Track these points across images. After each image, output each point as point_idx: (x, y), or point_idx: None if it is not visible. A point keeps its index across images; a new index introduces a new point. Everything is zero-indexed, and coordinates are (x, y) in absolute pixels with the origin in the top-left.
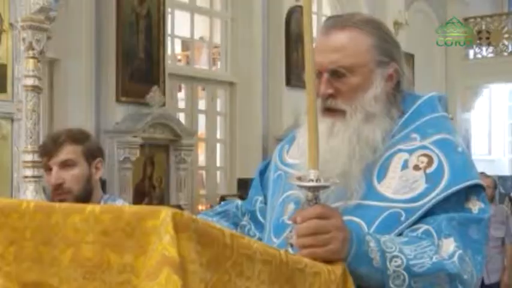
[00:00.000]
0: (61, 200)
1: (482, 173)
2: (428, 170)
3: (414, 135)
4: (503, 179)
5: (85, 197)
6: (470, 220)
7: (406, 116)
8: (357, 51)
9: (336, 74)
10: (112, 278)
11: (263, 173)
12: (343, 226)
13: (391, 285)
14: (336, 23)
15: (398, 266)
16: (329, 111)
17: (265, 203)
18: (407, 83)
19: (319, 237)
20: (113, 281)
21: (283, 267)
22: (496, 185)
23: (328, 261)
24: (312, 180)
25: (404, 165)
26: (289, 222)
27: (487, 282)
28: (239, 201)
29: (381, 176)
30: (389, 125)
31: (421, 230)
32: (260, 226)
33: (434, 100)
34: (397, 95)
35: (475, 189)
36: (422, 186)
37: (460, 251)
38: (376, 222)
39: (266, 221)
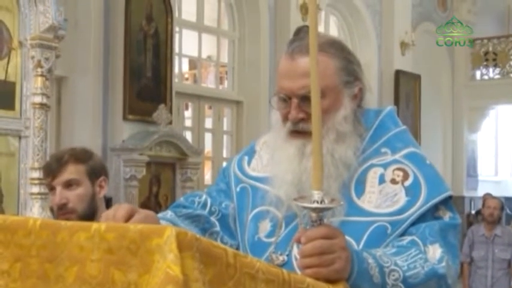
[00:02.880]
0: (66, 220)
1: (488, 194)
2: (406, 183)
3: (384, 149)
4: (509, 200)
5: (89, 215)
6: (448, 226)
7: (371, 131)
8: (325, 75)
9: (306, 98)
10: None
11: (224, 177)
12: (346, 246)
13: None
14: (300, 47)
15: (396, 280)
16: (297, 133)
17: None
18: (368, 91)
19: (325, 257)
20: None
21: (286, 287)
22: (503, 207)
23: (332, 280)
24: (317, 202)
25: (382, 180)
26: (268, 240)
27: None
28: (206, 197)
29: (359, 191)
30: (358, 141)
31: (405, 241)
32: (230, 233)
33: (393, 114)
34: (359, 111)
35: (443, 199)
36: (403, 199)
37: (446, 257)
38: (364, 237)
39: (236, 234)
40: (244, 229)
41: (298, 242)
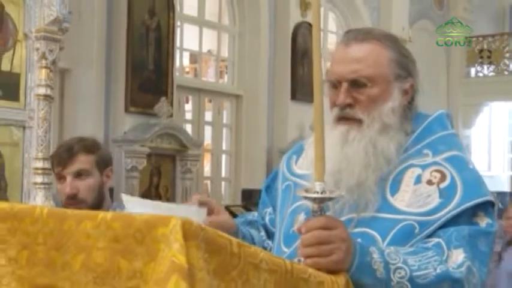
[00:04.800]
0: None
1: None
2: (442, 185)
3: (426, 151)
4: (502, 195)
5: (97, 205)
6: (479, 233)
7: (417, 132)
8: (377, 62)
9: (355, 84)
10: (122, 283)
11: (270, 185)
12: (347, 237)
13: None
14: (356, 35)
15: (402, 278)
16: (344, 119)
17: (275, 212)
18: (420, 92)
19: (323, 248)
20: (123, 286)
21: (288, 277)
22: (496, 202)
23: (332, 271)
24: (317, 192)
25: (418, 180)
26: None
27: None
28: (255, 214)
29: (394, 189)
30: (402, 138)
31: (431, 243)
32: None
33: (444, 117)
34: (410, 112)
35: (483, 205)
36: (436, 200)
37: (469, 262)
38: (391, 234)
39: (276, 229)
40: (282, 223)
41: (300, 232)
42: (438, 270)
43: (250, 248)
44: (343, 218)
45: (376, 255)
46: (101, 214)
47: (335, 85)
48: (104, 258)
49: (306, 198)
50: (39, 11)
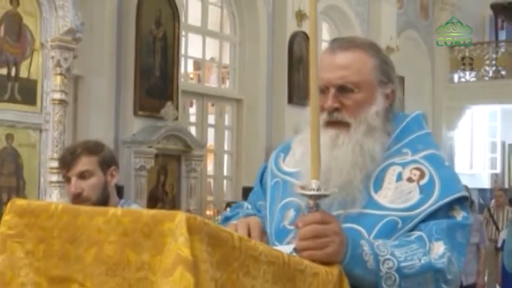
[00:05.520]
0: None
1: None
2: (421, 182)
3: (406, 150)
4: (483, 191)
5: (102, 202)
6: (457, 225)
7: (397, 132)
8: (362, 69)
9: (343, 89)
10: (131, 274)
11: (262, 179)
12: (340, 231)
13: (384, 285)
14: (342, 43)
15: (390, 268)
16: (333, 123)
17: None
18: (399, 103)
19: (318, 241)
20: (132, 277)
21: (286, 268)
22: (470, 196)
23: (326, 263)
24: (314, 189)
25: (399, 178)
26: (291, 227)
27: (464, 283)
28: (247, 205)
29: (377, 186)
30: (386, 139)
31: (413, 236)
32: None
33: (420, 118)
34: (390, 112)
35: (458, 200)
36: (416, 196)
37: (449, 253)
38: (376, 229)
39: (266, 224)
40: (273, 218)
41: (297, 227)
42: (423, 261)
43: (251, 242)
44: (338, 213)
45: (366, 248)
46: (111, 210)
47: (323, 90)
48: (115, 251)
49: (302, 194)
50: (55, 22)
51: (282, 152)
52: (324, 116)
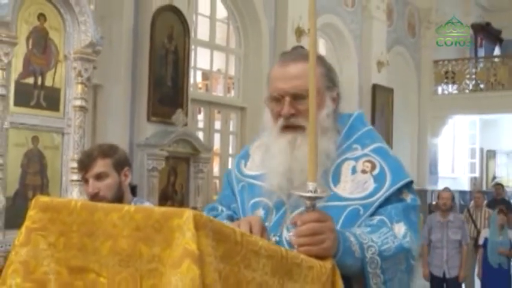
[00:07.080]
0: None
1: (445, 188)
2: (374, 173)
3: (356, 145)
4: (463, 193)
5: (117, 200)
6: (409, 207)
7: (345, 130)
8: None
9: (297, 97)
10: (143, 265)
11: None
12: (334, 228)
13: (369, 269)
14: (292, 56)
15: (373, 254)
16: (289, 128)
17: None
18: (342, 98)
19: (316, 238)
20: (144, 268)
21: (283, 262)
22: (454, 198)
23: (321, 257)
24: (311, 191)
25: (354, 171)
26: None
27: (448, 276)
28: (221, 207)
29: (336, 180)
30: (337, 137)
31: (375, 220)
32: None
33: (362, 116)
34: (336, 113)
35: (406, 184)
36: (372, 185)
37: (409, 232)
38: (342, 219)
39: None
40: None
41: (295, 224)
42: (396, 243)
43: (251, 237)
44: (300, 210)
45: (352, 239)
46: (125, 207)
47: (278, 99)
48: (128, 244)
49: (301, 197)
50: (77, 36)
51: (242, 158)
52: (280, 122)
